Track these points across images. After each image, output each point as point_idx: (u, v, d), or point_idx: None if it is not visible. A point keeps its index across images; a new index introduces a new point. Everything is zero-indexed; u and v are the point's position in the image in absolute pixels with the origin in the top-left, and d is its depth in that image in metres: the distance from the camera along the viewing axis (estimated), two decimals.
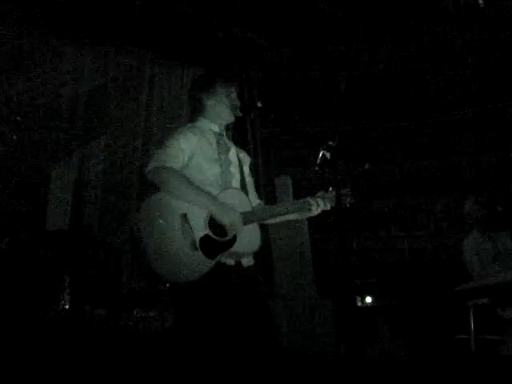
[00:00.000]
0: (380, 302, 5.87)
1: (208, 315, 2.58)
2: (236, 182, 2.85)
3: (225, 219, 2.61)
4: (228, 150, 2.90)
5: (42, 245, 4.59)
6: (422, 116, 7.50)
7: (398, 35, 6.68)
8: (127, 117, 6.22)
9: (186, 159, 2.73)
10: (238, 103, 2.84)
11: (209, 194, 2.66)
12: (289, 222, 3.03)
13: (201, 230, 2.60)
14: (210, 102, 2.86)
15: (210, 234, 2.60)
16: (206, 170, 2.75)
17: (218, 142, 2.86)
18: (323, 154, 2.40)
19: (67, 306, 4.33)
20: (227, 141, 2.95)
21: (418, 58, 7.05)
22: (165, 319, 4.42)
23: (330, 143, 2.42)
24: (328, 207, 2.83)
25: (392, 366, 4.71)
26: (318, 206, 2.82)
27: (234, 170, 2.88)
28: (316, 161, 2.44)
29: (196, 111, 2.92)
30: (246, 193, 2.86)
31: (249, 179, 2.98)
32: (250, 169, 3.02)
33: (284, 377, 2.60)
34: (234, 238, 2.63)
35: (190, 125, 2.89)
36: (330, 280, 5.86)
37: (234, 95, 2.88)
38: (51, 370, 3.63)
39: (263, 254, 2.89)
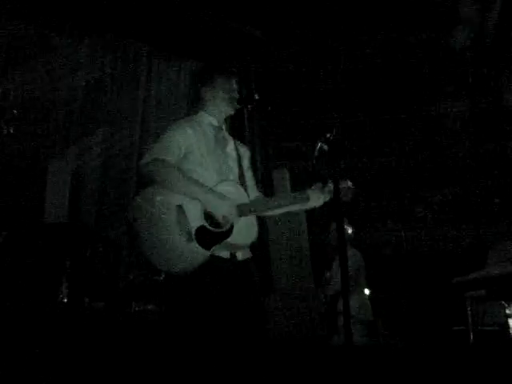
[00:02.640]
0: (377, 294, 5.88)
1: (199, 306, 2.60)
2: (234, 176, 2.85)
3: (219, 210, 2.61)
4: (226, 144, 2.90)
5: (40, 238, 4.59)
6: (418, 108, 7.50)
7: (395, 27, 6.67)
8: (124, 110, 6.20)
9: (183, 152, 2.73)
10: (237, 95, 2.84)
11: (203, 185, 2.66)
12: (287, 214, 3.03)
13: (197, 220, 2.60)
14: (208, 95, 2.86)
15: (206, 224, 2.60)
16: (203, 164, 2.75)
17: (215, 136, 2.86)
18: (321, 147, 2.39)
19: (66, 300, 4.34)
20: (226, 135, 2.95)
21: (416, 51, 7.04)
22: (163, 312, 4.42)
23: (328, 136, 2.41)
24: (327, 199, 2.80)
25: (388, 357, 4.72)
26: (318, 198, 2.79)
27: (233, 163, 2.88)
28: (313, 153, 2.43)
29: (196, 104, 2.93)
30: (245, 187, 2.85)
31: (248, 173, 2.97)
32: (250, 162, 3.03)
33: (276, 368, 2.63)
34: (231, 229, 2.62)
35: (188, 118, 2.89)
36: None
37: (233, 87, 2.87)
38: (49, 362, 3.64)
39: (261, 247, 2.90)
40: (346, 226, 5.48)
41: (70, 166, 5.55)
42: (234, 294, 2.66)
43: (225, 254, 2.67)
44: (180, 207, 2.60)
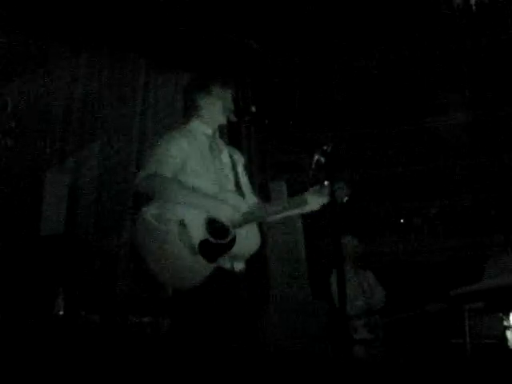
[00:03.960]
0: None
1: (203, 320, 2.59)
2: (231, 185, 2.85)
3: (222, 214, 2.60)
4: (220, 153, 2.91)
5: (36, 250, 4.57)
6: (416, 121, 7.52)
7: (391, 41, 6.70)
8: (122, 122, 6.20)
9: (179, 166, 2.72)
10: (232, 107, 2.85)
11: (204, 193, 2.66)
12: (285, 227, 3.05)
13: (199, 234, 2.58)
14: (203, 103, 2.86)
15: (209, 237, 2.58)
16: (200, 175, 2.74)
17: (210, 146, 2.86)
18: (318, 160, 2.40)
19: (62, 312, 4.31)
20: (220, 142, 2.95)
21: (413, 64, 7.08)
22: (159, 325, 4.40)
23: (325, 148, 2.42)
24: (325, 201, 2.75)
25: (386, 369, 4.70)
26: (316, 201, 2.78)
27: (228, 172, 2.89)
28: (311, 166, 2.43)
29: (189, 111, 2.91)
30: (242, 194, 2.86)
31: (244, 180, 2.98)
32: (245, 168, 3.03)
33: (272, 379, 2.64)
34: (233, 240, 2.62)
35: (180, 127, 2.88)
36: (325, 283, 5.85)
37: (229, 97, 2.88)
38: (45, 375, 3.61)
39: (258, 257, 2.89)
40: (350, 240, 5.50)
41: (67, 178, 5.55)
42: (231, 307, 2.66)
43: (227, 265, 2.68)
44: (182, 222, 2.58)
